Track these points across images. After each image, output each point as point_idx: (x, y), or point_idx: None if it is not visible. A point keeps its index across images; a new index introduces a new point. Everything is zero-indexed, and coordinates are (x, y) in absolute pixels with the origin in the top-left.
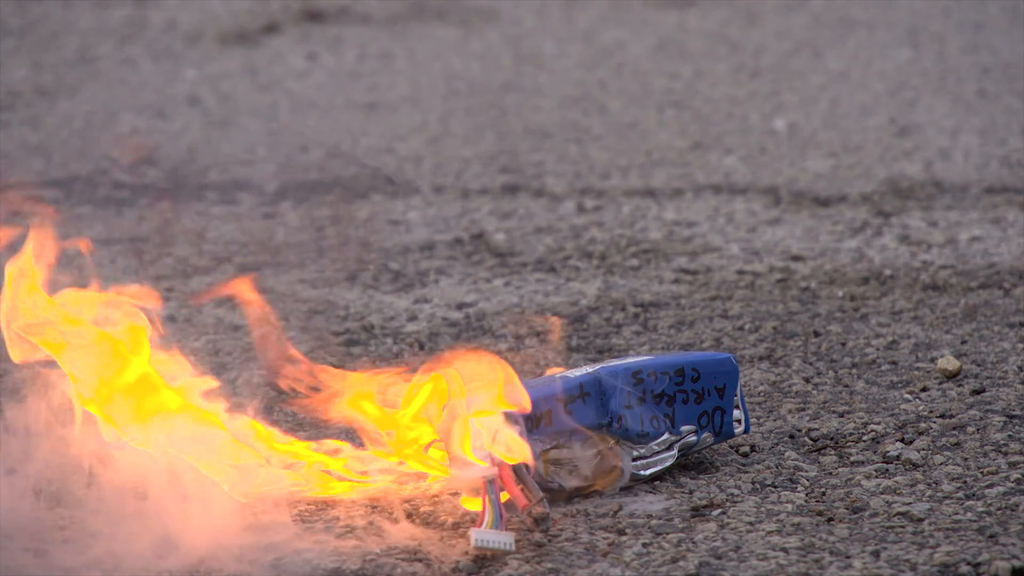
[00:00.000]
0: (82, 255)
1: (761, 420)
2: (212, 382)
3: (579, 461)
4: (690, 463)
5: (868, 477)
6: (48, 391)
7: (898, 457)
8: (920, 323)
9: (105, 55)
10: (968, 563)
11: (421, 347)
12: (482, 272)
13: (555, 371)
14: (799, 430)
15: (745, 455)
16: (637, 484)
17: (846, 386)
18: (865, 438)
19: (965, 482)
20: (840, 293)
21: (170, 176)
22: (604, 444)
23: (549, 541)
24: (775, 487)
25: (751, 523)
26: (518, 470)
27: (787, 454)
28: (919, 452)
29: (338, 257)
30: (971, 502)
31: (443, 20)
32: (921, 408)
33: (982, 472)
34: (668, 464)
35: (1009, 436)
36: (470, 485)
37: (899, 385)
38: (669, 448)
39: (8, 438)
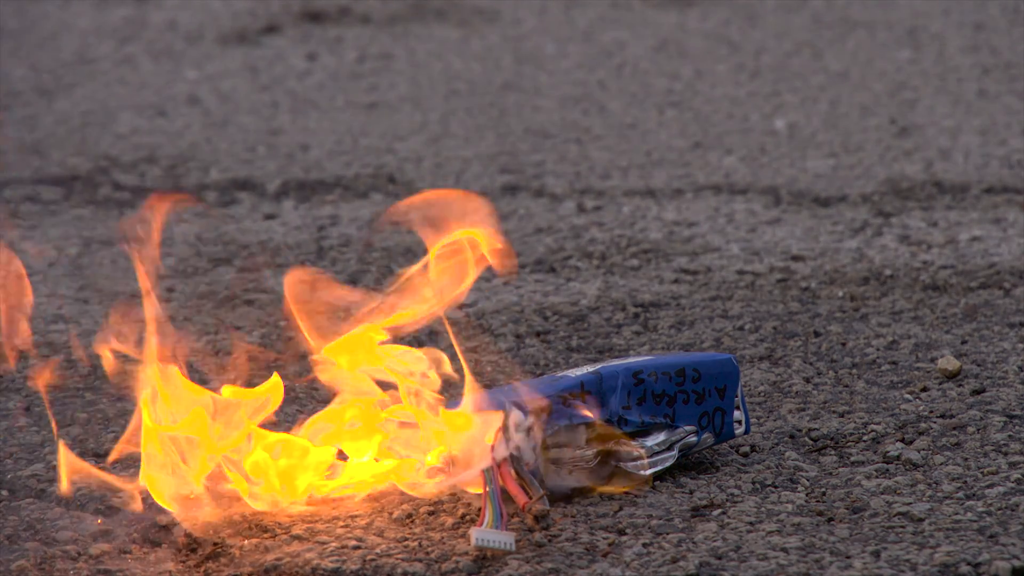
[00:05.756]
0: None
1: (761, 420)
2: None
3: (579, 461)
4: (690, 463)
5: (868, 477)
6: None
7: (898, 457)
8: (920, 323)
9: (104, 55)
10: (968, 563)
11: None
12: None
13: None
14: (799, 430)
15: (745, 455)
16: (641, 483)
17: (846, 386)
18: (865, 438)
19: (965, 482)
20: (840, 293)
21: (170, 176)
22: (604, 444)
23: (549, 541)
24: (775, 487)
25: (751, 523)
26: (518, 467)
27: (787, 454)
28: (919, 452)
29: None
30: (971, 502)
31: (443, 20)
32: (921, 408)
33: (982, 472)
34: (668, 464)
35: (1009, 436)
36: (471, 483)
37: (899, 385)
38: (669, 448)
39: None
